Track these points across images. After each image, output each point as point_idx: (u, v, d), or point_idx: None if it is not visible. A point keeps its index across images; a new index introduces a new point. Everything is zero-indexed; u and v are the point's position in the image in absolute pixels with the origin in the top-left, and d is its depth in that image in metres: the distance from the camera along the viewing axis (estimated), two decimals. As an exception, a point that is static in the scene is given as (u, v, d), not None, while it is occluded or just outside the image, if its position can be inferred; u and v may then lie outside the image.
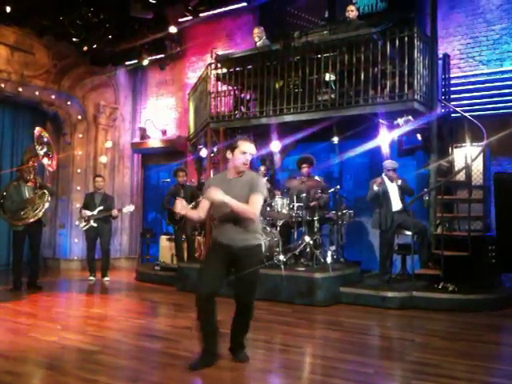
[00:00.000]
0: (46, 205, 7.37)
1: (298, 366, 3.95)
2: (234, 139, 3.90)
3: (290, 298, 6.51)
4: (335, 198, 7.81)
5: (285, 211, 7.33)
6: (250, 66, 7.92)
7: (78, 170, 10.86)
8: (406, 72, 6.70)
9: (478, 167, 7.33)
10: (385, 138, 7.29)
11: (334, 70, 7.27)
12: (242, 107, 8.43)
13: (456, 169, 7.44)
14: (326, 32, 8.75)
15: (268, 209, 7.26)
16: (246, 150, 3.77)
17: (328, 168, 9.38)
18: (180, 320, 5.48)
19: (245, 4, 9.85)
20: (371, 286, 6.65)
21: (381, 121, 7.26)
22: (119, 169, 11.59)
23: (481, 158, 7.18)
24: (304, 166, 7.73)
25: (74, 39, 9.25)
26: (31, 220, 7.21)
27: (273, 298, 6.55)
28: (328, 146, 8.59)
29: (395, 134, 7.26)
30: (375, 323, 5.59)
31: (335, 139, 7.97)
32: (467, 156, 7.06)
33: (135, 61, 10.63)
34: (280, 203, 7.34)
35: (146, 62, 10.36)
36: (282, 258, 6.89)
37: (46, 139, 7.37)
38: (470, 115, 7.27)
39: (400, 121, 6.94)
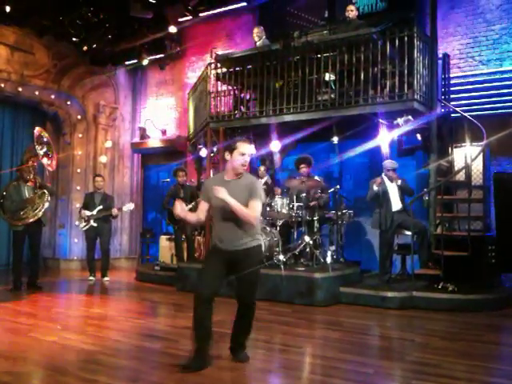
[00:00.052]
0: (46, 205, 7.37)
1: (297, 366, 3.95)
2: (233, 140, 3.88)
3: (289, 298, 6.51)
4: (335, 197, 7.81)
5: (284, 211, 7.33)
6: (249, 66, 7.92)
7: (78, 170, 10.86)
8: (406, 72, 6.70)
9: (477, 167, 7.33)
10: (385, 138, 7.29)
11: (333, 70, 7.26)
12: (242, 107, 8.43)
13: (456, 169, 7.44)
14: (325, 32, 8.75)
15: (268, 209, 7.26)
16: (245, 151, 3.73)
17: (328, 168, 9.39)
18: (180, 320, 5.48)
19: (244, 4, 9.85)
20: (371, 286, 6.65)
21: (381, 121, 7.26)
22: (119, 169, 11.59)
23: (480, 157, 7.18)
24: (302, 166, 7.72)
25: (74, 39, 9.25)
26: (31, 220, 7.20)
27: (273, 298, 6.55)
28: (328, 145, 8.59)
29: (395, 133, 7.26)
30: (375, 323, 5.59)
31: (335, 139, 7.97)
32: (467, 156, 7.06)
33: (135, 61, 10.63)
34: (280, 203, 7.34)
35: (145, 62, 10.36)
36: (281, 257, 6.89)
37: (45, 139, 7.37)
38: (470, 115, 7.27)
39: (400, 121, 6.94)
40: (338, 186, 7.78)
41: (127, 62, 10.87)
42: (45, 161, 7.31)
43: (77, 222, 9.16)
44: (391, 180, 7.07)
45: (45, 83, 10.23)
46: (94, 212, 8.42)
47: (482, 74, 7.80)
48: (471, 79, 7.85)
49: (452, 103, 7.60)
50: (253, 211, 3.67)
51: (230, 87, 8.62)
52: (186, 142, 10.49)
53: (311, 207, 7.53)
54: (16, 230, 7.36)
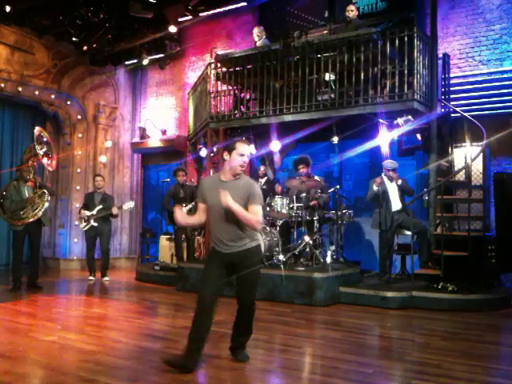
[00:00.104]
0: (46, 204, 7.37)
1: (297, 365, 3.94)
2: (232, 140, 3.86)
3: (289, 297, 6.51)
4: (335, 197, 7.82)
5: (284, 211, 7.33)
6: (249, 66, 7.92)
7: (78, 170, 10.87)
8: (406, 72, 6.70)
9: (477, 167, 7.34)
10: (384, 138, 7.29)
11: (333, 70, 7.27)
12: (242, 107, 8.43)
13: (456, 169, 7.44)
14: (325, 32, 8.76)
15: (268, 208, 7.26)
16: (244, 152, 3.70)
17: (328, 168, 9.39)
18: (180, 320, 5.47)
19: (245, 4, 9.86)
20: (371, 286, 6.65)
21: (381, 121, 7.26)
22: (119, 169, 11.59)
23: (480, 157, 7.18)
24: (301, 166, 7.72)
25: (74, 39, 9.25)
26: (31, 220, 7.20)
27: (273, 298, 6.56)
28: (328, 145, 8.59)
29: (395, 133, 7.26)
30: (375, 323, 5.58)
31: (335, 139, 7.98)
32: (467, 156, 7.07)
33: (135, 60, 10.63)
34: (280, 203, 7.34)
35: (146, 62, 10.36)
36: (281, 257, 6.90)
37: (45, 139, 7.37)
38: (470, 115, 7.28)
39: (400, 121, 6.94)
40: (338, 186, 7.79)
41: (127, 62, 10.87)
42: (45, 161, 7.31)
43: (77, 222, 9.16)
44: (391, 180, 7.07)
45: (45, 83, 10.24)
46: (94, 212, 8.42)
47: (482, 74, 7.80)
48: (471, 79, 7.85)
49: (452, 103, 7.60)
50: (256, 216, 3.65)
51: (230, 87, 8.62)
52: (185, 142, 10.50)
53: (311, 207, 7.53)
54: (16, 230, 7.36)
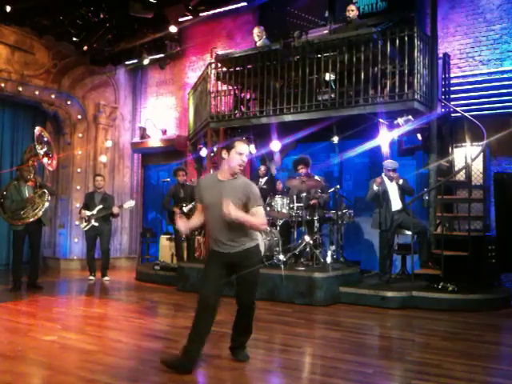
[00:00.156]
0: (46, 204, 7.37)
1: (297, 365, 3.94)
2: (231, 139, 3.86)
3: (289, 297, 6.51)
4: (335, 197, 7.81)
5: (285, 211, 7.34)
6: (249, 66, 7.92)
7: (78, 170, 10.87)
8: (406, 72, 6.70)
9: (477, 167, 7.34)
10: (385, 138, 7.28)
11: (333, 70, 7.26)
12: (242, 107, 8.43)
13: (456, 169, 7.44)
14: (326, 32, 8.75)
15: (268, 208, 7.26)
16: (243, 151, 3.69)
17: (328, 168, 9.39)
18: (180, 320, 5.48)
19: (245, 3, 9.86)
20: (371, 286, 6.65)
21: (381, 120, 7.26)
22: (119, 168, 11.59)
23: (481, 157, 7.18)
24: (300, 167, 7.72)
25: (74, 39, 9.25)
26: (31, 220, 7.20)
27: (273, 298, 6.56)
28: (328, 145, 8.59)
29: (395, 133, 7.26)
30: (375, 323, 5.58)
31: (335, 139, 7.98)
32: (467, 156, 7.06)
33: (135, 60, 10.63)
34: (280, 203, 7.34)
35: (146, 62, 10.35)
36: (281, 257, 6.90)
37: (46, 139, 7.37)
38: (470, 115, 7.28)
39: (400, 120, 6.94)
40: (338, 186, 7.79)
41: (127, 62, 10.87)
42: (45, 160, 7.31)
43: (77, 222, 9.16)
44: (391, 180, 7.07)
45: (45, 83, 10.24)
46: (94, 211, 8.42)
47: (482, 74, 7.80)
48: (471, 79, 7.85)
49: (452, 103, 7.60)
50: (260, 218, 3.65)
51: (230, 87, 8.62)
52: (186, 142, 10.51)
53: (311, 206, 7.53)
54: (16, 230, 7.36)
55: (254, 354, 4.01)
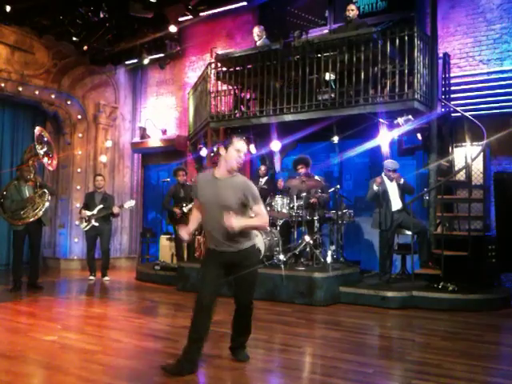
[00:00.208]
0: (46, 204, 7.37)
1: (297, 365, 3.94)
2: (229, 137, 3.84)
3: (289, 297, 6.51)
4: (335, 197, 7.81)
5: (285, 211, 7.34)
6: (249, 66, 7.92)
7: (78, 170, 10.87)
8: (406, 71, 6.70)
9: (478, 167, 7.33)
10: (385, 138, 7.28)
11: (333, 70, 7.26)
12: (242, 106, 8.43)
13: (456, 168, 7.44)
14: (326, 31, 8.75)
15: (268, 208, 7.27)
16: (241, 148, 3.66)
17: (328, 167, 9.39)
18: (180, 319, 5.47)
19: (245, 3, 9.85)
20: (371, 286, 6.65)
21: (381, 120, 7.26)
22: (119, 168, 11.59)
23: (481, 157, 7.18)
24: (299, 166, 7.72)
25: (74, 39, 9.24)
26: (31, 219, 7.20)
27: (273, 298, 6.56)
28: (328, 145, 8.59)
29: (395, 133, 7.26)
30: (375, 323, 5.58)
31: (335, 139, 7.97)
32: (467, 155, 7.06)
33: (135, 60, 10.62)
34: (280, 203, 7.34)
35: (146, 61, 10.34)
36: (282, 257, 6.89)
37: (46, 139, 7.37)
38: (470, 114, 7.28)
39: (400, 120, 6.94)
40: (338, 186, 7.78)
41: (127, 62, 10.86)
42: (45, 160, 7.31)
43: (77, 222, 9.16)
44: (391, 179, 7.07)
45: (45, 83, 10.24)
46: (95, 211, 8.42)
47: (482, 74, 7.79)
48: (471, 79, 7.84)
49: (452, 103, 7.60)
50: (263, 217, 3.64)
51: (230, 87, 8.62)
52: (186, 142, 10.51)
53: (312, 205, 7.52)
54: (16, 230, 7.36)
55: (254, 354, 4.01)
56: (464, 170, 7.16)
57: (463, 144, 7.48)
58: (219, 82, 8.49)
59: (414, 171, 8.30)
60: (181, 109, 11.28)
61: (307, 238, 7.21)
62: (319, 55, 7.28)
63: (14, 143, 10.36)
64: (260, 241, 6.96)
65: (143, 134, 11.52)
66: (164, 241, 9.50)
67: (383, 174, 7.11)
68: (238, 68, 8.12)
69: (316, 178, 7.70)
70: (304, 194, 7.40)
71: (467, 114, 7.29)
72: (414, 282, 6.53)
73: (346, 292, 6.57)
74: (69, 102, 10.77)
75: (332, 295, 6.50)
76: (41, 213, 7.26)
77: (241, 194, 3.61)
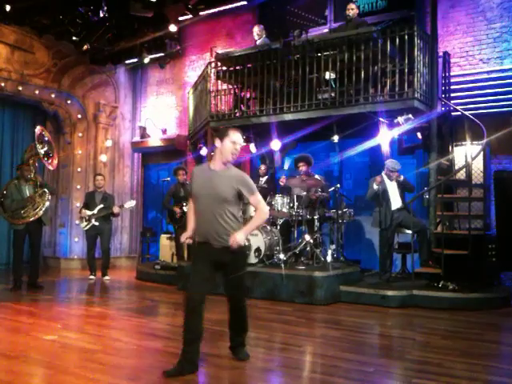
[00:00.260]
0: (47, 204, 7.37)
1: (298, 364, 3.95)
2: (225, 127, 3.82)
3: (290, 296, 6.51)
4: (335, 196, 7.81)
5: (285, 210, 7.34)
6: (249, 65, 7.92)
7: (78, 169, 10.87)
8: (406, 70, 6.70)
9: (478, 166, 7.33)
10: (385, 137, 7.29)
11: (334, 69, 7.26)
12: (242, 106, 8.43)
13: (456, 167, 7.44)
14: (326, 30, 8.75)
15: (268, 208, 7.25)
16: (236, 139, 3.65)
17: (328, 167, 9.39)
18: (180, 319, 5.41)
19: (245, 3, 9.85)
20: (371, 285, 6.65)
21: (381, 119, 7.26)
22: (119, 168, 11.59)
23: (481, 156, 7.17)
24: (301, 164, 7.73)
25: (74, 38, 9.23)
26: (32, 219, 7.20)
27: (273, 297, 6.56)
28: (328, 144, 8.59)
29: (395, 132, 7.26)
30: (375, 322, 5.59)
31: (335, 138, 7.97)
32: (467, 154, 7.06)
33: (135, 59, 10.62)
34: (280, 202, 7.34)
35: (146, 61, 10.32)
36: (282, 256, 6.90)
37: (46, 138, 7.37)
38: (470, 113, 7.27)
39: (400, 119, 6.94)
40: (339, 185, 7.78)
41: (127, 61, 10.86)
42: (45, 160, 7.31)
43: (77, 222, 9.16)
44: (391, 178, 7.07)
45: (45, 82, 10.24)
46: (95, 211, 8.42)
47: (482, 73, 7.79)
48: (471, 78, 7.84)
49: (452, 102, 7.60)
50: (261, 210, 3.66)
51: (230, 86, 8.62)
52: (186, 141, 10.51)
53: (314, 202, 7.52)
54: (16, 229, 7.36)
55: (255, 353, 4.02)
56: (464, 169, 7.16)
57: (463, 143, 7.47)
58: (219, 82, 8.49)
59: (414, 170, 8.30)
60: (181, 108, 11.27)
61: (307, 237, 7.21)
62: (319, 54, 7.28)
63: (14, 143, 10.36)
64: (260, 240, 6.97)
65: (143, 134, 11.52)
66: (164, 240, 9.50)
67: (383, 173, 7.11)
68: (237, 67, 8.12)
69: (316, 177, 7.71)
70: (304, 193, 7.40)
71: (467, 112, 7.29)
72: (414, 281, 6.53)
73: (347, 291, 6.57)
74: (69, 102, 10.76)
75: (332, 294, 6.50)
76: (41, 212, 7.26)
77: (236, 185, 3.60)
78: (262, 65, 7.72)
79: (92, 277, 8.54)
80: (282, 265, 6.71)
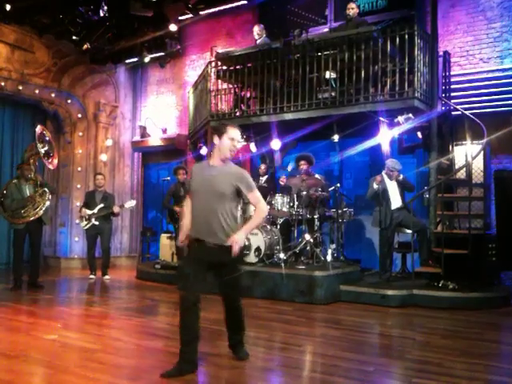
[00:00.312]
0: (47, 203, 7.37)
1: (298, 364, 3.95)
2: (223, 124, 3.82)
3: (290, 296, 6.51)
4: (335, 196, 7.81)
5: (285, 209, 7.34)
6: (250, 64, 7.92)
7: (79, 169, 10.87)
8: (407, 70, 6.70)
9: (478, 165, 7.32)
10: (385, 136, 7.28)
11: (334, 68, 7.26)
12: (243, 105, 8.43)
13: (456, 167, 7.43)
14: (326, 30, 8.75)
15: (268, 207, 7.26)
16: (235, 136, 3.64)
17: (328, 166, 9.39)
18: (180, 318, 5.47)
19: (245, 2, 9.84)
20: (371, 284, 6.65)
21: (381, 119, 7.25)
22: (119, 167, 11.59)
23: (481, 155, 7.17)
24: (302, 163, 7.74)
25: (74, 37, 9.24)
26: (32, 218, 7.20)
27: (273, 297, 6.56)
28: (328, 144, 8.59)
29: (395, 131, 7.26)
30: (375, 321, 5.59)
31: (335, 137, 7.97)
32: (467, 154, 7.06)
33: (135, 59, 10.62)
34: (280, 201, 7.34)
35: (147, 59, 10.32)
36: (282, 256, 6.90)
37: (47, 137, 7.37)
38: (471, 113, 7.27)
39: (400, 119, 6.93)
40: (339, 185, 7.78)
41: (127, 61, 10.86)
42: (46, 159, 7.31)
43: (77, 221, 9.16)
44: (391, 178, 7.07)
45: (45, 82, 10.24)
46: (95, 210, 8.42)
47: (482, 72, 7.79)
48: (472, 77, 7.84)
49: (452, 101, 7.60)
50: (260, 209, 3.66)
51: (230, 85, 8.62)
52: (186, 141, 10.50)
53: (314, 202, 7.52)
54: (16, 229, 7.36)
55: (255, 352, 4.02)
56: (464, 169, 7.15)
57: (463, 142, 7.47)
58: (219, 81, 8.49)
59: (414, 169, 8.30)
60: (181, 107, 11.27)
61: (307, 237, 7.21)
62: (319, 54, 7.28)
63: (14, 142, 10.36)
64: (260, 239, 6.97)
65: (143, 133, 11.52)
66: (164, 239, 9.50)
67: (383, 173, 7.11)
68: (238, 67, 8.12)
69: (316, 176, 7.71)
70: (304, 193, 7.40)
71: (467, 112, 7.29)
72: (414, 281, 6.53)
73: (347, 290, 6.57)
74: (69, 101, 10.76)
75: (332, 294, 6.50)
76: (41, 212, 7.26)
77: (234, 182, 3.60)
78: (262, 64, 7.72)
79: (92, 276, 8.54)
80: (282, 264, 6.71)
